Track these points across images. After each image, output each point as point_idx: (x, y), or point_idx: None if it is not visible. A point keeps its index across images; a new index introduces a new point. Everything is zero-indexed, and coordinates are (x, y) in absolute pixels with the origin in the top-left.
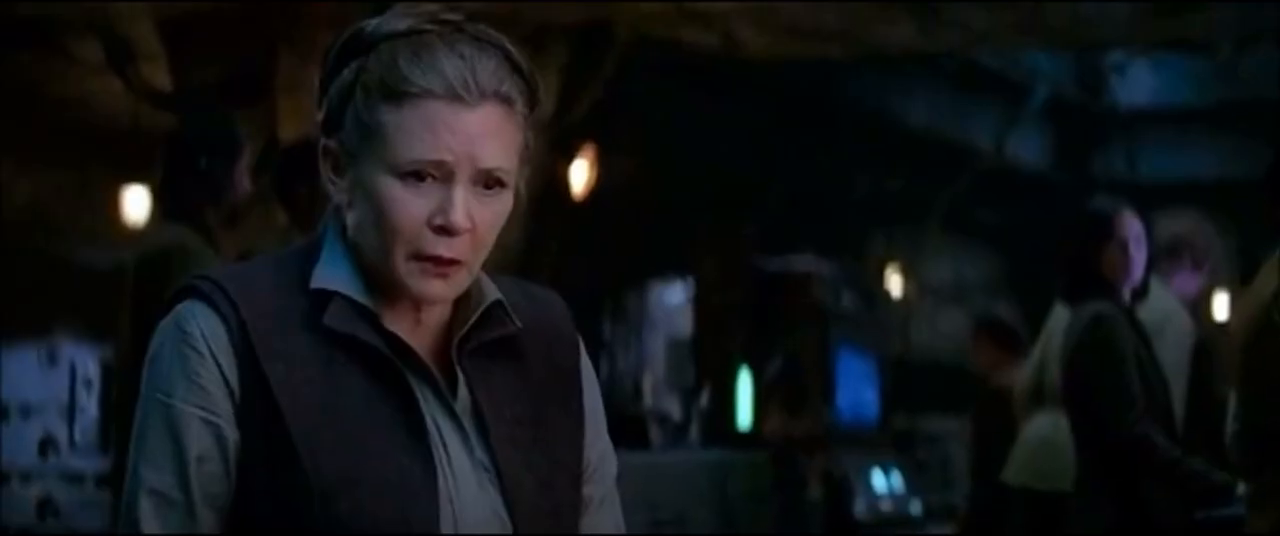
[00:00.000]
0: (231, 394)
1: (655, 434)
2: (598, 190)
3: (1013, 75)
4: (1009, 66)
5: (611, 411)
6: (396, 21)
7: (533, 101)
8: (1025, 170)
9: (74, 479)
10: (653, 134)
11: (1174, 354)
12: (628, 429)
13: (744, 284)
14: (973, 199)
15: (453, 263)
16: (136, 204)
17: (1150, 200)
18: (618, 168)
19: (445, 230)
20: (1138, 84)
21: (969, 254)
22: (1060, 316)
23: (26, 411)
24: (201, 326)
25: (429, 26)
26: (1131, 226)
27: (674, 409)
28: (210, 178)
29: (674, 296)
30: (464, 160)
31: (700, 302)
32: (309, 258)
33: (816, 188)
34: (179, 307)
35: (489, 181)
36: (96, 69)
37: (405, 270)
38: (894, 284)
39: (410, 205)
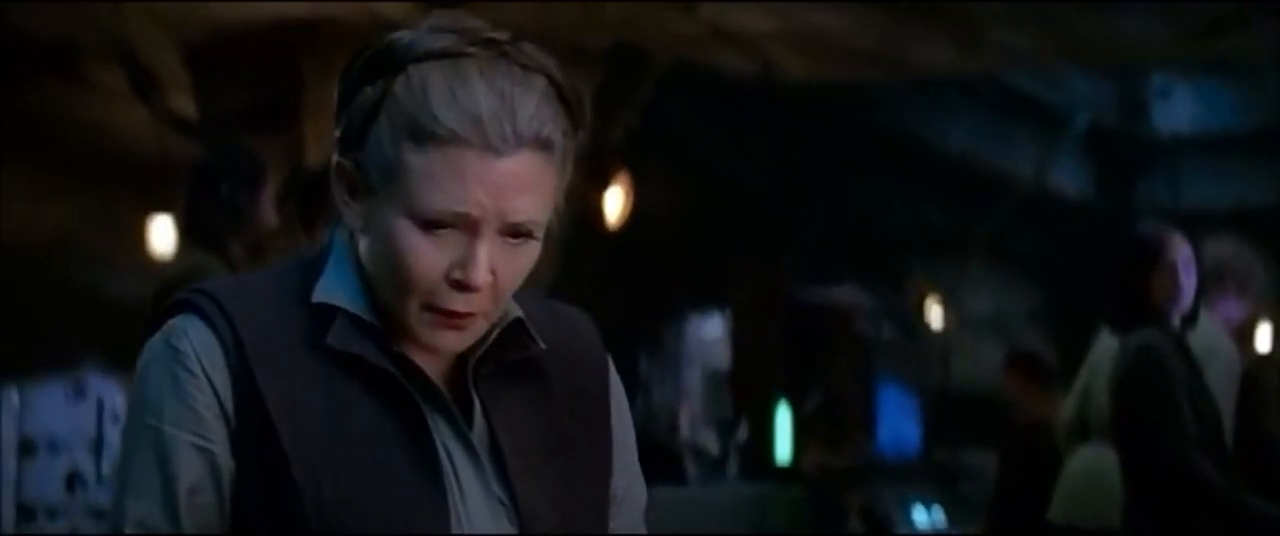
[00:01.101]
0: (226, 418)
1: (692, 468)
2: (632, 219)
3: (1053, 101)
4: (1049, 92)
5: (647, 445)
6: (432, 40)
7: (577, 131)
8: (1066, 198)
9: (101, 514)
10: (688, 161)
11: (1221, 383)
12: (664, 463)
13: (782, 315)
14: (1013, 228)
15: (468, 315)
16: (163, 233)
17: (1193, 228)
18: (652, 196)
19: (463, 286)
20: (1180, 109)
21: (1009, 284)
22: (1106, 345)
23: (53, 446)
24: (194, 344)
25: (468, 50)
26: (1181, 251)
27: (711, 443)
28: (233, 206)
29: (711, 328)
30: (491, 214)
31: (737, 334)
32: (313, 270)
33: (854, 216)
34: (170, 323)
35: (516, 233)
36: (120, 96)
37: (417, 319)
38: (934, 315)
39: (428, 256)
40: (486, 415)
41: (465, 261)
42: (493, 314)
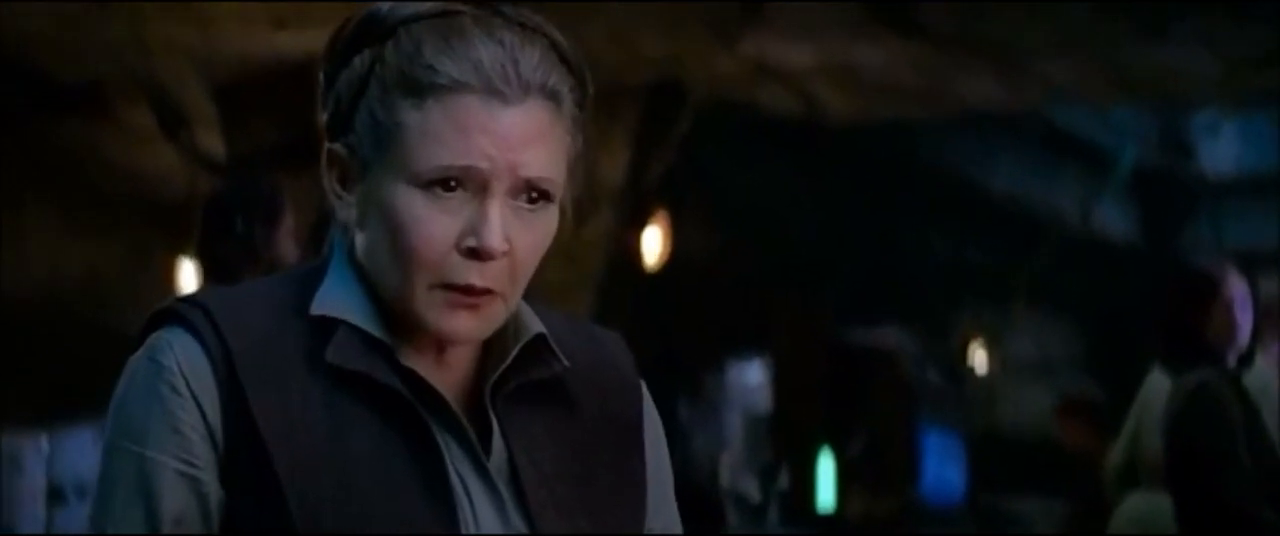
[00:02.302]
0: (214, 442)
1: (732, 515)
2: (671, 260)
3: (1098, 138)
4: (1094, 128)
5: (686, 491)
6: (421, 3)
7: (583, 100)
8: (1111, 239)
9: None
10: (727, 200)
11: (1274, 422)
12: (704, 510)
13: (823, 358)
14: (1057, 269)
15: (485, 293)
16: (192, 274)
17: (1242, 268)
18: (691, 236)
19: (477, 253)
20: (1227, 147)
21: (1054, 327)
22: (1158, 385)
23: (82, 492)
24: (180, 358)
25: (460, 8)
26: (1237, 287)
27: (752, 489)
28: (248, 241)
29: (751, 372)
30: (502, 168)
31: (778, 378)
32: (313, 281)
33: (897, 257)
34: (153, 337)
35: (531, 194)
36: (149, 135)
37: (426, 302)
38: (978, 358)
39: (434, 223)
40: (506, 440)
41: (477, 224)
42: (511, 297)
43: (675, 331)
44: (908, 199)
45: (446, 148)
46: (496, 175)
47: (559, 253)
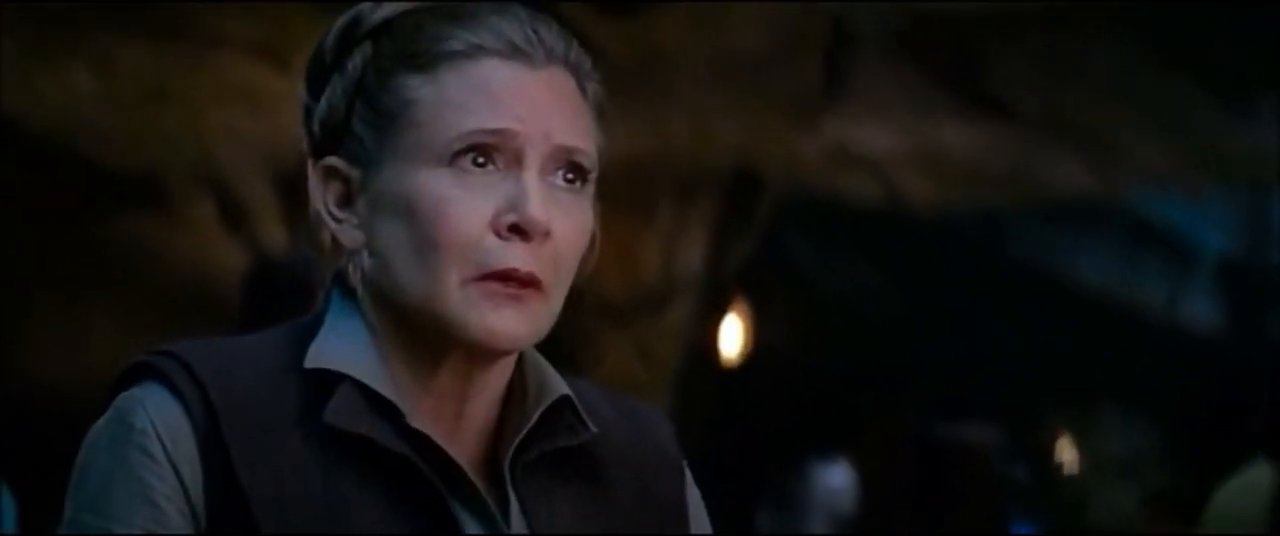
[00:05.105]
0: (194, 514)
1: None
2: (750, 355)
3: (1184, 227)
4: (1180, 216)
5: None
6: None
7: (601, 93)
8: (1198, 330)
9: None
10: (807, 292)
11: None
12: None
13: (910, 457)
14: (1144, 364)
15: (530, 282)
16: None
17: None
18: (771, 329)
19: (519, 229)
20: None
21: (1142, 423)
22: (1258, 479)
23: None
24: (154, 418)
25: None
26: None
27: None
28: (289, 316)
29: (835, 473)
30: (536, 133)
31: (864, 478)
32: (308, 334)
33: (982, 350)
34: (123, 397)
35: (568, 171)
36: (210, 229)
37: (462, 300)
38: (1067, 455)
39: (464, 202)
40: (526, 515)
41: (515, 198)
42: (554, 294)
43: (756, 430)
44: (992, 290)
45: (471, 113)
46: (531, 141)
47: (633, 346)
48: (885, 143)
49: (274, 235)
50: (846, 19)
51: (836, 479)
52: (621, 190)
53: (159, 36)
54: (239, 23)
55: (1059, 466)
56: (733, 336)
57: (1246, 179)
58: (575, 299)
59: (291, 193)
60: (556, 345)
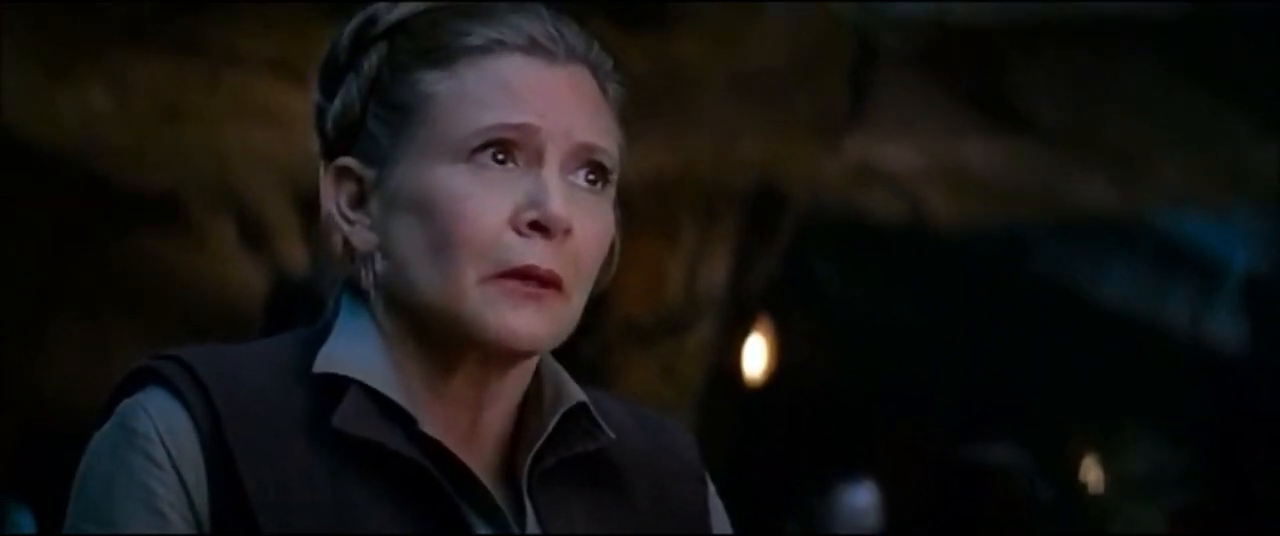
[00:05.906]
0: (198, 520)
1: None
2: (774, 374)
3: (1209, 245)
4: (1206, 234)
5: None
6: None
7: (621, 96)
8: (1224, 351)
9: None
10: (831, 310)
11: None
12: None
13: (935, 477)
14: (1169, 382)
15: (550, 281)
16: None
17: None
18: (794, 348)
19: (540, 227)
20: None
21: (1166, 441)
22: None
23: None
24: (158, 422)
25: None
26: None
27: None
28: None
29: (861, 493)
30: (557, 130)
31: (889, 498)
32: (317, 340)
33: (1006, 369)
34: (125, 403)
35: (589, 170)
36: (229, 247)
37: (480, 299)
38: (1091, 473)
39: (482, 199)
40: (542, 524)
41: (536, 194)
42: (576, 296)
43: (780, 450)
44: (1017, 307)
45: (491, 108)
46: (552, 137)
47: (657, 366)
48: (909, 160)
49: (294, 253)
50: (870, 36)
51: (861, 498)
52: (644, 208)
53: (176, 54)
54: (257, 40)
55: (1083, 485)
56: (756, 355)
57: (1273, 197)
58: (598, 314)
59: (311, 210)
60: (578, 362)
